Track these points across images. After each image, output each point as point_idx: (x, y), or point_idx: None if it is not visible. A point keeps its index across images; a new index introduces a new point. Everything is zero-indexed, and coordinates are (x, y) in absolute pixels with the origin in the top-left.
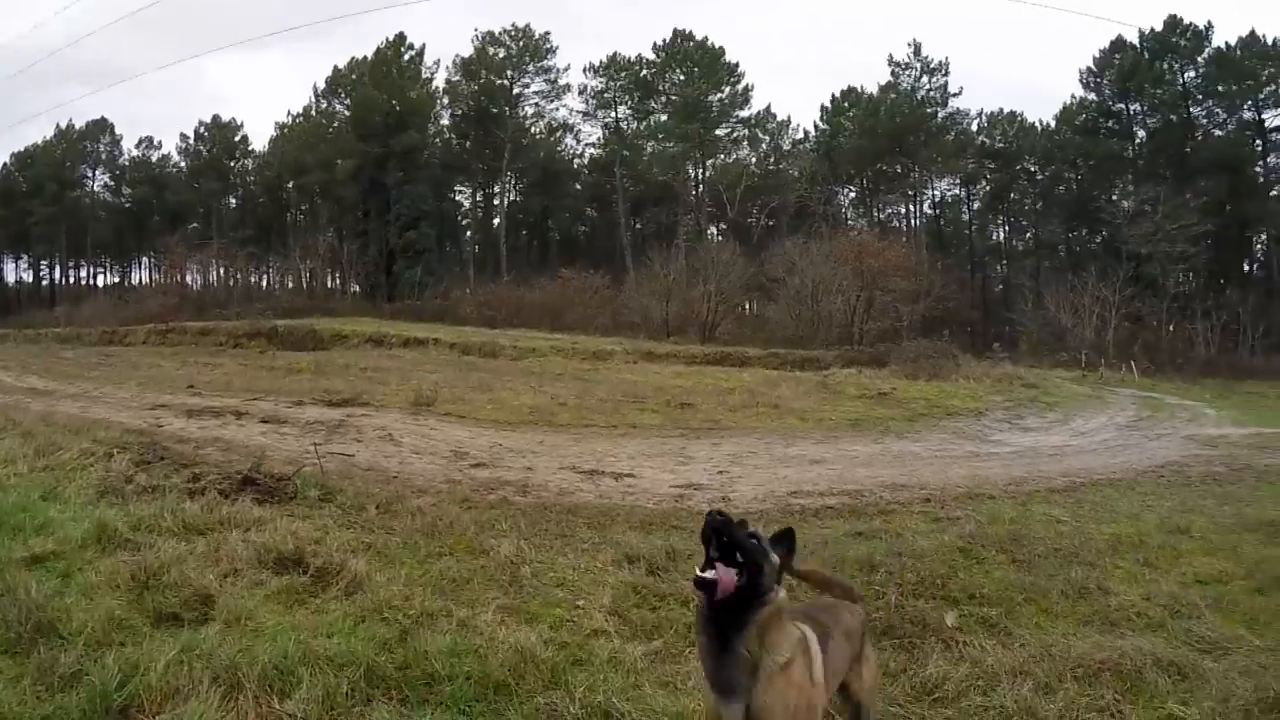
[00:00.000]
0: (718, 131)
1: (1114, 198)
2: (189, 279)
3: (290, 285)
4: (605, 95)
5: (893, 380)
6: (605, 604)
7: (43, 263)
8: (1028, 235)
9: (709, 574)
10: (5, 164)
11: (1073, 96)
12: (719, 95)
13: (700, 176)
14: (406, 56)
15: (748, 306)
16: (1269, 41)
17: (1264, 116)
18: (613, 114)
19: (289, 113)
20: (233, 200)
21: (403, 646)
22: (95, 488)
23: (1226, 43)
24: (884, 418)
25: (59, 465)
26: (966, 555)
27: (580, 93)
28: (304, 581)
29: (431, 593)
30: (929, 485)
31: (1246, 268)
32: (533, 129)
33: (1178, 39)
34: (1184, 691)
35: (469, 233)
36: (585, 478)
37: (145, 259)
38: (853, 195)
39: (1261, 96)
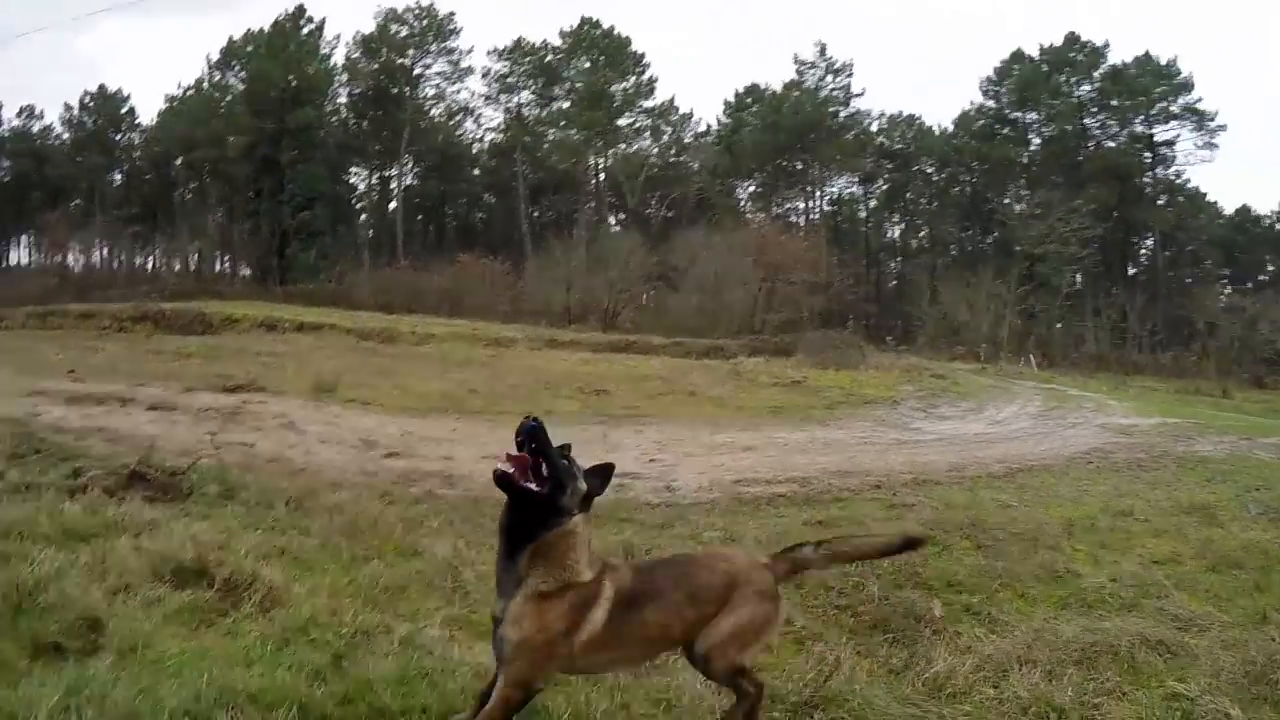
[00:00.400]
0: (620, 121)
1: (1007, 200)
2: (70, 259)
3: (178, 267)
4: (508, 80)
5: (802, 369)
6: None
7: None
8: (922, 234)
9: (504, 466)
10: None
11: (971, 103)
12: (623, 85)
13: (601, 165)
14: (305, 30)
15: (648, 296)
16: (1162, 62)
17: (1154, 131)
18: (515, 99)
19: (179, 85)
20: (118, 176)
21: (339, 675)
22: None
23: (1122, 60)
24: (803, 405)
25: None
26: (932, 542)
27: (483, 76)
28: (210, 597)
29: (364, 604)
30: (873, 472)
31: (1132, 270)
32: (432, 111)
33: (1075, 54)
34: (1178, 669)
35: (364, 216)
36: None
37: (23, 238)
38: (752, 189)
39: (1153, 112)
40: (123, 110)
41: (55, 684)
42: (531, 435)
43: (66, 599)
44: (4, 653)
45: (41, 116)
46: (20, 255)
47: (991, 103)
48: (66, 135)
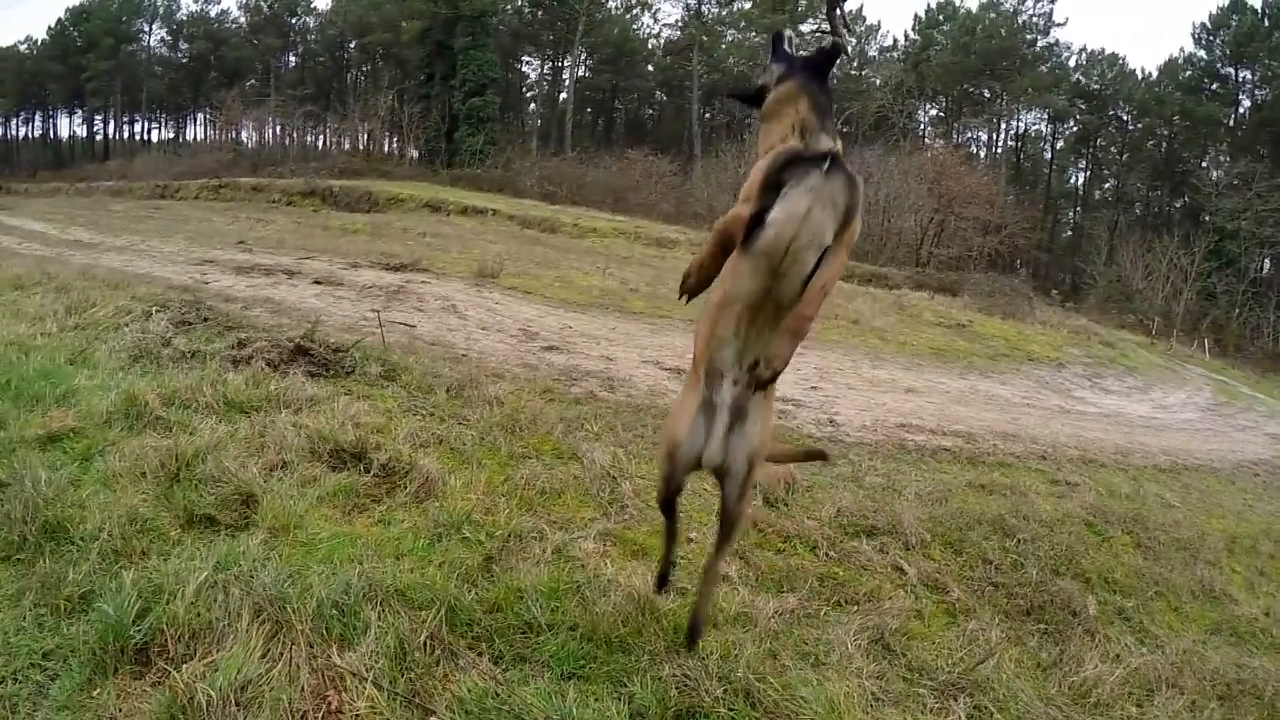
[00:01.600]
0: (803, 27)
1: (1205, 164)
2: (244, 136)
3: (347, 146)
4: None
5: (968, 312)
6: None
7: (97, 117)
8: (1107, 185)
9: None
10: (60, 19)
11: (1180, 50)
12: None
13: None
14: None
15: None
16: None
17: None
18: None
19: None
20: (292, 58)
21: (489, 579)
22: (129, 351)
23: None
24: (966, 351)
25: (92, 324)
26: (1092, 530)
27: None
28: (365, 482)
29: (518, 506)
30: (1039, 440)
31: None
32: (609, 3)
33: None
34: None
35: (534, 105)
36: (673, 376)
37: (201, 115)
38: (935, 113)
39: None
40: None
41: (205, 558)
42: None
43: (223, 472)
44: (158, 521)
45: (219, 1)
46: (197, 131)
47: (1202, 53)
48: (243, 18)
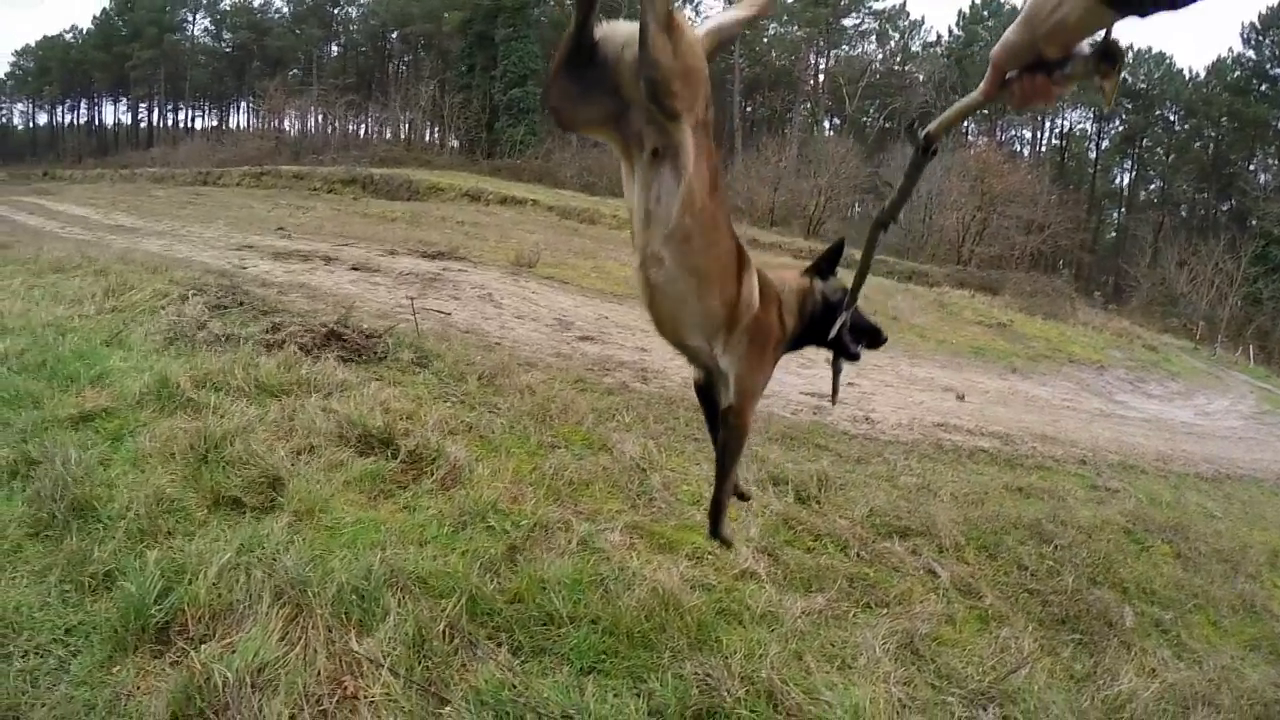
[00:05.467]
0: (846, 21)
1: (1253, 168)
2: (286, 124)
3: (388, 136)
4: None
5: (1009, 312)
6: (753, 536)
7: (141, 105)
8: (1153, 187)
9: None
10: (105, 8)
11: (1229, 50)
12: None
13: (821, 66)
14: None
15: (855, 208)
16: None
17: None
18: None
19: None
20: (334, 48)
21: (512, 569)
22: (164, 334)
23: None
24: (1006, 351)
25: (129, 307)
26: (1132, 538)
27: None
28: (392, 467)
29: (546, 496)
30: (1078, 443)
31: None
32: None
33: None
34: None
35: None
36: None
37: (243, 103)
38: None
39: None
40: None
41: (229, 540)
42: None
43: (251, 454)
44: (185, 501)
45: None
46: (239, 119)
47: (1251, 53)
48: (286, 9)
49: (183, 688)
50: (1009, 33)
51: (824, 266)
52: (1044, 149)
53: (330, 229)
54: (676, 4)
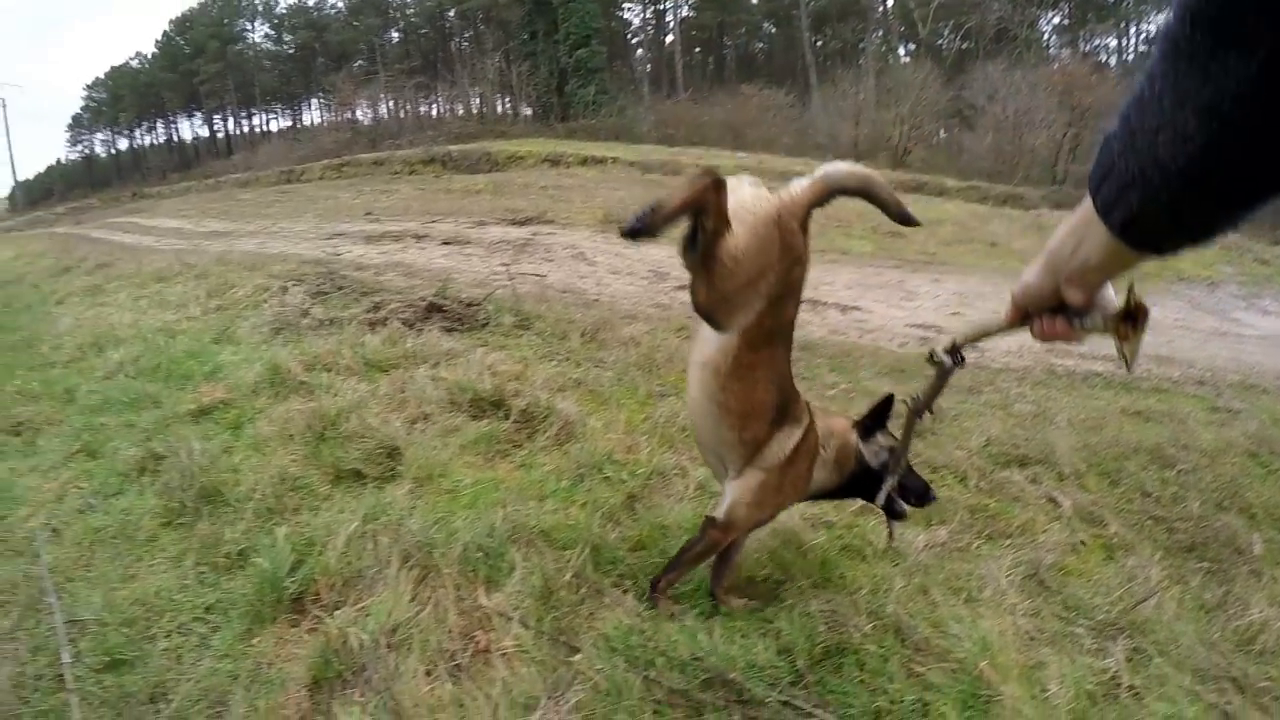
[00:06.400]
0: None
1: None
2: (359, 114)
3: (460, 112)
4: None
5: None
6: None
7: (215, 117)
8: None
9: None
10: (165, 31)
11: None
12: None
13: None
14: None
15: (941, 134)
16: None
17: None
18: None
19: None
20: (394, 34)
21: (632, 517)
22: (269, 325)
23: None
24: None
25: (232, 304)
26: (1257, 461)
27: None
28: (506, 428)
29: (659, 444)
30: (1195, 363)
31: None
32: None
33: None
34: None
35: (640, 50)
36: (808, 307)
37: (314, 100)
38: (1057, 21)
39: None
40: None
41: (354, 510)
42: None
43: (367, 428)
44: (308, 479)
45: None
46: (313, 116)
47: None
48: (342, 3)
49: (320, 652)
50: (1029, 275)
51: (869, 424)
52: (1131, 57)
53: (417, 208)
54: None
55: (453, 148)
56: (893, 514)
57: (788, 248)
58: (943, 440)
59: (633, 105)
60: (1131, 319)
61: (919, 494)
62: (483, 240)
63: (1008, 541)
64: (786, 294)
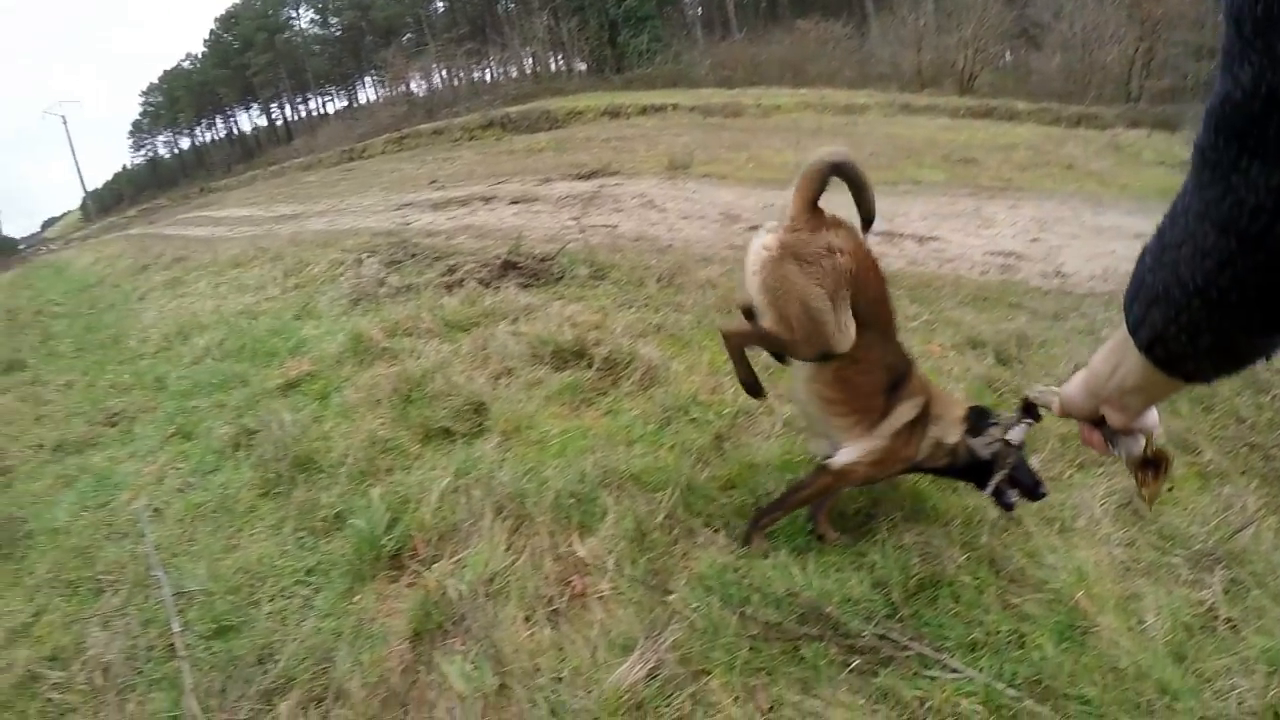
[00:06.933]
0: None
1: None
2: (413, 87)
3: (514, 74)
4: None
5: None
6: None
7: (272, 106)
8: None
9: None
10: (212, 29)
11: None
12: None
13: None
14: None
15: (1007, 56)
16: None
17: None
18: None
19: None
20: (440, 4)
21: (720, 457)
22: (347, 297)
23: None
24: None
25: (309, 281)
26: None
27: None
28: (589, 377)
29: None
30: None
31: None
32: None
33: None
34: None
35: None
36: (883, 239)
37: (367, 79)
38: None
39: None
40: None
41: (445, 466)
42: None
43: (452, 386)
44: (398, 440)
45: None
46: (368, 93)
47: None
48: None
49: (420, 605)
50: (1070, 389)
51: (976, 421)
52: None
53: (481, 172)
54: None
55: (510, 109)
56: (1001, 504)
57: (807, 262)
58: (1029, 368)
59: (687, 50)
60: (1154, 466)
61: (1029, 489)
62: (550, 197)
63: (1100, 470)
64: (846, 289)
